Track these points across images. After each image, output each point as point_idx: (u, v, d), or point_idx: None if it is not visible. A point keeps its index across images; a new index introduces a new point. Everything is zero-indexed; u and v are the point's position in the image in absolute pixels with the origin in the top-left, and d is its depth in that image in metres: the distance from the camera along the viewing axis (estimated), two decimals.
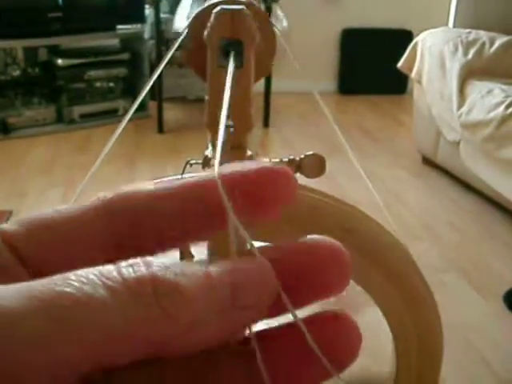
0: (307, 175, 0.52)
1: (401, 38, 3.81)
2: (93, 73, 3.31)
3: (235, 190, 0.18)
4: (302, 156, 0.52)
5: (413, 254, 0.69)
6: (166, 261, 0.16)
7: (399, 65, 2.82)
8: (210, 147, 0.53)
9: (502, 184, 2.20)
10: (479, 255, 2.09)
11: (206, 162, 0.52)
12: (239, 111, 0.50)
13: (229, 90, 0.46)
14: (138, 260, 0.15)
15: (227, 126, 0.55)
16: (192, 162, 0.53)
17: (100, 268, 0.15)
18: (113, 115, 3.31)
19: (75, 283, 0.14)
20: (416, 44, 2.74)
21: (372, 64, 4.08)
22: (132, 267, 0.15)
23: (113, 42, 3.53)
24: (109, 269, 0.15)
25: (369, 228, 0.64)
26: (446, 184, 2.67)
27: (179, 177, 0.55)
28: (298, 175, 0.53)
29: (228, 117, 0.54)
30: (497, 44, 2.53)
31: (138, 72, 3.39)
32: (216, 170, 0.19)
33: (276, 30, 0.54)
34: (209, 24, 0.51)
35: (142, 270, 0.15)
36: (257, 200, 0.18)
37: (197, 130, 3.03)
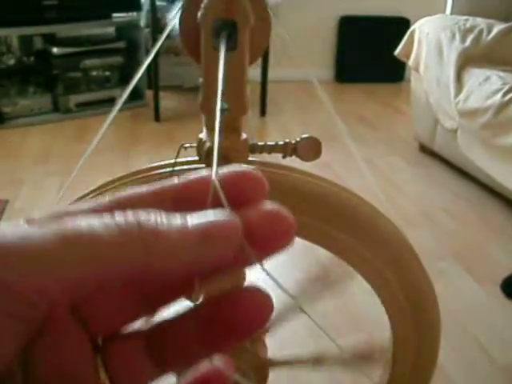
0: (303, 158, 0.52)
1: (398, 26, 3.80)
2: (88, 61, 3.29)
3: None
4: (298, 139, 0.52)
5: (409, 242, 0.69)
6: (151, 212, 0.21)
7: (396, 52, 2.81)
8: (205, 130, 0.52)
9: (499, 171, 2.20)
10: (476, 242, 2.09)
11: (201, 145, 0.51)
12: (234, 94, 0.49)
13: (222, 72, 0.45)
14: (129, 211, 0.21)
15: (222, 110, 0.54)
16: (186, 145, 0.52)
17: (100, 216, 0.20)
18: (109, 104, 3.28)
19: (80, 222, 0.20)
20: (413, 31, 2.73)
21: (369, 52, 4.06)
22: (124, 215, 0.20)
23: (108, 30, 3.51)
24: (106, 217, 0.20)
25: (366, 213, 0.63)
26: (443, 172, 2.67)
27: (173, 161, 0.54)
28: (293, 158, 0.52)
29: (223, 99, 0.53)
30: (494, 31, 2.52)
31: (134, 60, 3.37)
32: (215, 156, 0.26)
33: (270, 11, 0.53)
34: (202, 5, 0.50)
35: (130, 216, 0.20)
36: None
37: (193, 118, 3.02)
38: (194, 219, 0.21)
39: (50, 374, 0.21)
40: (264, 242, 0.22)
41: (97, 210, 0.22)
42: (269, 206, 0.23)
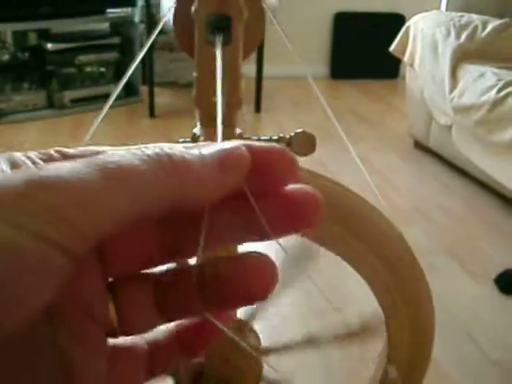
0: (297, 153, 0.52)
1: (393, 22, 3.80)
2: (83, 57, 3.28)
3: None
4: (292, 134, 0.52)
5: None
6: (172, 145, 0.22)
7: (391, 48, 2.81)
8: (199, 125, 0.52)
9: (493, 168, 2.20)
10: (470, 238, 2.09)
11: (195, 140, 0.51)
12: (228, 88, 0.49)
13: (220, 67, 0.45)
14: (151, 145, 0.21)
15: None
16: (181, 140, 0.52)
17: (130, 148, 0.21)
18: (104, 100, 3.20)
19: (116, 157, 0.20)
20: (408, 28, 2.73)
21: (364, 48, 4.06)
22: (150, 148, 0.21)
23: (103, 25, 3.50)
24: (135, 150, 0.21)
25: (361, 208, 0.64)
26: (438, 168, 2.67)
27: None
28: None
29: (216, 93, 0.53)
30: (489, 28, 2.52)
31: (129, 56, 3.36)
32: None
33: (264, 5, 0.53)
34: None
35: (157, 149, 0.21)
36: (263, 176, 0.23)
37: (188, 113, 3.00)
38: (208, 149, 0.22)
39: (64, 299, 0.21)
40: (290, 218, 0.23)
41: None
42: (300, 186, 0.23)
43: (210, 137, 0.50)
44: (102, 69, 3.38)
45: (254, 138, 0.52)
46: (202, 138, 0.50)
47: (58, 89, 3.23)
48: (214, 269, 0.24)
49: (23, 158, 0.22)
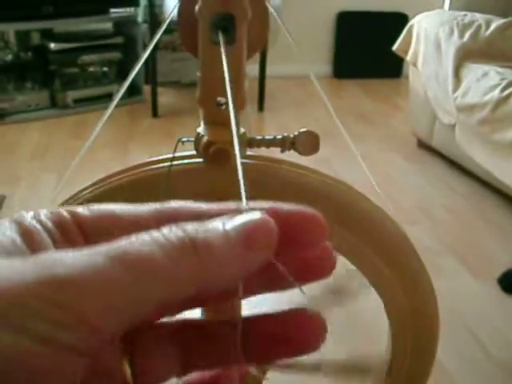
0: (301, 152, 0.52)
1: (396, 21, 3.79)
2: (86, 57, 3.28)
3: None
4: (296, 133, 0.52)
5: None
6: (195, 224, 0.21)
7: (395, 48, 2.81)
8: (203, 124, 0.52)
9: (497, 167, 2.20)
10: (474, 238, 2.09)
11: (198, 140, 0.51)
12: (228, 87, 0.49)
13: (226, 67, 0.45)
14: (174, 226, 0.21)
15: (219, 104, 0.54)
16: (184, 139, 0.52)
17: (151, 233, 0.20)
18: (107, 100, 3.28)
19: (136, 245, 0.19)
20: (411, 27, 2.73)
21: (367, 47, 4.05)
22: (171, 230, 0.20)
23: (106, 25, 3.50)
24: (156, 235, 0.20)
25: (364, 208, 0.63)
26: (441, 167, 2.67)
27: (171, 155, 0.54)
28: (291, 152, 0.52)
29: (221, 94, 0.53)
30: (492, 27, 2.51)
31: (132, 56, 3.36)
32: (236, 148, 0.28)
33: (268, 5, 0.53)
34: None
35: (179, 231, 0.20)
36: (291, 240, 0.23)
37: (191, 113, 3.01)
38: (233, 223, 0.21)
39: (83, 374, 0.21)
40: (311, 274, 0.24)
41: (140, 217, 0.23)
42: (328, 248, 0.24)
43: (214, 136, 0.50)
44: (105, 69, 3.38)
45: (258, 137, 0.52)
46: (205, 138, 0.50)
47: (60, 89, 3.23)
48: (257, 325, 0.24)
49: (34, 223, 0.22)
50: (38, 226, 0.21)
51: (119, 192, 0.54)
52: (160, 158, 0.54)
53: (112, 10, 3.32)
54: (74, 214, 0.23)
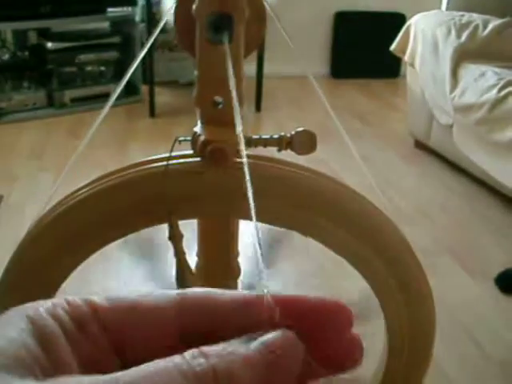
0: (298, 152, 0.51)
1: (394, 21, 3.80)
2: (83, 56, 3.27)
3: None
4: (293, 132, 0.52)
5: None
6: (217, 349, 0.21)
7: (392, 48, 2.81)
8: (199, 124, 0.52)
9: (494, 167, 2.20)
10: (471, 238, 2.09)
11: (195, 139, 0.51)
12: (229, 87, 0.49)
13: (230, 68, 0.45)
14: (196, 351, 0.20)
15: (218, 103, 0.54)
16: (181, 138, 0.52)
17: (175, 363, 0.20)
18: (104, 99, 3.19)
19: (156, 380, 0.19)
20: (409, 27, 2.73)
21: (365, 47, 4.05)
22: (195, 356, 0.20)
23: (103, 25, 3.49)
24: (181, 363, 0.20)
25: (362, 208, 0.63)
26: (438, 167, 2.67)
27: (169, 155, 0.54)
28: (288, 152, 0.52)
29: (218, 93, 0.53)
30: (490, 27, 2.52)
31: (129, 56, 3.35)
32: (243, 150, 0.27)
33: (266, 4, 0.53)
34: None
35: (203, 360, 0.20)
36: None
37: (189, 113, 3.00)
38: (255, 346, 0.21)
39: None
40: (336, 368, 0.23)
41: (163, 309, 0.23)
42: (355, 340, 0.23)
43: (211, 136, 0.50)
44: (103, 68, 3.37)
45: (255, 137, 0.52)
46: (202, 137, 0.50)
47: (58, 88, 3.23)
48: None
49: (51, 323, 0.21)
50: (55, 326, 0.21)
51: (116, 191, 0.54)
52: (157, 157, 0.54)
53: (109, 9, 3.31)
54: (92, 306, 0.22)
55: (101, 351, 0.22)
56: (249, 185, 0.23)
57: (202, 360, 0.20)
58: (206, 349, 0.21)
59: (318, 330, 0.22)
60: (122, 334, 0.23)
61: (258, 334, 0.22)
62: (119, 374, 0.19)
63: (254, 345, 0.21)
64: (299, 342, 0.21)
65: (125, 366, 0.20)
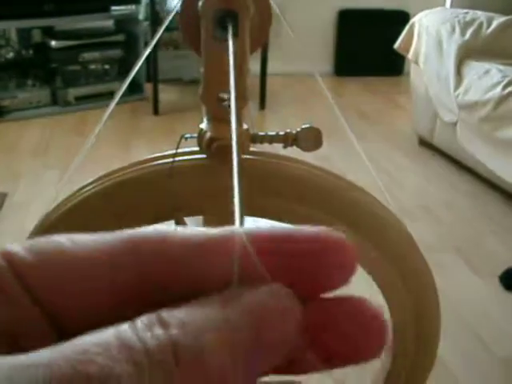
0: (304, 148, 0.52)
1: (398, 19, 3.79)
2: (87, 55, 3.28)
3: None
4: (298, 129, 0.52)
5: None
6: (181, 314, 0.15)
7: (396, 46, 2.81)
8: (205, 120, 0.52)
9: (498, 165, 2.20)
10: (475, 236, 2.09)
11: (202, 136, 0.51)
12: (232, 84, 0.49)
13: (232, 64, 0.45)
14: (154, 319, 0.15)
15: (222, 100, 0.54)
16: (187, 136, 0.52)
17: (120, 336, 0.14)
18: (108, 97, 3.28)
19: (99, 359, 0.14)
20: (413, 24, 2.72)
21: (368, 45, 4.05)
22: (151, 331, 0.15)
23: (107, 23, 3.50)
24: (129, 337, 0.14)
25: (368, 204, 0.63)
26: (443, 165, 2.67)
27: (172, 154, 0.54)
28: (294, 148, 0.52)
29: (223, 90, 0.53)
30: (494, 24, 2.51)
31: (133, 54, 3.36)
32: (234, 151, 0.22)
33: (271, 1, 0.53)
34: None
35: (161, 334, 0.15)
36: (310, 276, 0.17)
37: (193, 111, 3.01)
38: (233, 304, 0.16)
39: None
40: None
41: (107, 255, 0.17)
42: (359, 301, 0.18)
43: (217, 132, 0.50)
44: (107, 66, 3.38)
45: (260, 133, 0.52)
46: (208, 134, 0.50)
47: (62, 86, 3.23)
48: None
49: None
50: None
51: (122, 188, 0.54)
52: (163, 154, 0.54)
53: (113, 7, 3.32)
54: (7, 257, 0.17)
55: (26, 319, 0.16)
56: (236, 181, 0.20)
57: (159, 331, 0.15)
58: (166, 314, 0.15)
59: (312, 278, 0.17)
60: (52, 295, 0.17)
61: (235, 290, 0.16)
62: (33, 355, 0.14)
63: (231, 308, 0.15)
64: (296, 302, 0.16)
65: (61, 339, 0.15)
